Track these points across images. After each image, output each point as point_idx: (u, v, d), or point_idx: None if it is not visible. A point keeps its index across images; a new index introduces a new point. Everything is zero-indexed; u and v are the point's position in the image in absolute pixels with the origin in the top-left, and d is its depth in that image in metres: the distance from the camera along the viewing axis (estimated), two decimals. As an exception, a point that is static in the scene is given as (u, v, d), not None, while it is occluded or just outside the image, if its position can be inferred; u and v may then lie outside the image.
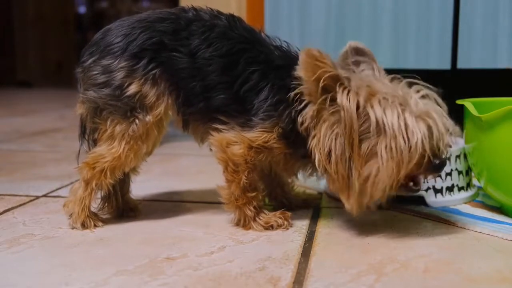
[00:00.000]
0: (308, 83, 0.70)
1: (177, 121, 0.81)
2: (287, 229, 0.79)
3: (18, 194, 1.00)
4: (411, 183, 0.73)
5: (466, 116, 0.86)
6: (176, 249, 0.70)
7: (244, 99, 0.76)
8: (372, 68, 0.76)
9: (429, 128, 0.69)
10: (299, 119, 0.73)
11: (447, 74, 1.32)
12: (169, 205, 0.94)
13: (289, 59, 0.77)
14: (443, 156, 0.71)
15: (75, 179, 0.81)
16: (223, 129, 0.77)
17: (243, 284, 0.59)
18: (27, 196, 0.98)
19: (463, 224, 0.80)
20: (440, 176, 0.89)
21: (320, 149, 0.72)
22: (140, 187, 0.96)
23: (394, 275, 0.62)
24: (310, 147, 0.73)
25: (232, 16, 0.80)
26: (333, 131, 0.71)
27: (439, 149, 0.70)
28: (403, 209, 0.88)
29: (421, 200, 0.89)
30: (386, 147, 0.68)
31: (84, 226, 0.78)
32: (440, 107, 0.72)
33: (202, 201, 0.95)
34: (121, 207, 0.85)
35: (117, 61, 0.76)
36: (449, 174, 0.90)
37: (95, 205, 0.83)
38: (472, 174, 0.95)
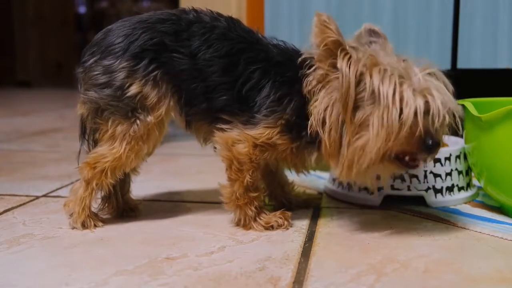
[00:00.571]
0: (317, 46, 0.72)
1: (179, 121, 0.81)
2: (287, 229, 0.79)
3: (18, 194, 1.00)
4: (407, 158, 0.71)
5: (466, 116, 0.86)
6: (176, 249, 0.70)
7: (246, 98, 0.76)
8: (384, 48, 0.76)
9: (426, 103, 0.68)
10: (304, 82, 0.74)
11: (447, 74, 1.32)
12: (169, 205, 0.94)
13: (288, 54, 0.78)
14: (438, 136, 0.69)
15: (75, 179, 0.81)
16: (227, 128, 0.77)
17: (243, 284, 0.59)
18: (27, 196, 0.98)
19: (463, 224, 0.80)
20: (440, 176, 0.89)
21: (316, 111, 0.72)
22: (140, 187, 0.96)
23: (394, 275, 0.62)
24: (309, 110, 0.73)
25: (231, 18, 0.80)
26: (331, 96, 0.71)
27: (434, 128, 0.69)
28: (403, 209, 0.88)
29: (421, 200, 0.89)
30: (378, 116, 0.68)
31: (84, 226, 0.78)
32: (446, 86, 0.71)
33: (202, 201, 0.95)
34: (121, 207, 0.85)
35: (118, 61, 0.76)
36: (449, 174, 0.90)
37: (95, 205, 0.83)
38: (472, 174, 0.95)
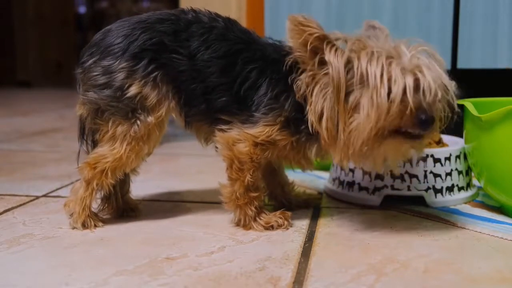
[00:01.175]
0: (298, 49, 0.72)
1: (179, 122, 0.81)
2: (287, 229, 0.79)
3: (18, 194, 1.00)
4: (409, 130, 0.69)
5: (466, 116, 0.86)
6: (176, 249, 0.70)
7: (245, 98, 0.76)
8: (377, 36, 0.76)
9: (416, 80, 0.68)
10: (295, 88, 0.74)
11: (447, 74, 1.32)
12: (169, 205, 0.94)
13: (284, 52, 0.78)
14: (431, 111, 0.69)
15: (75, 179, 0.81)
16: (227, 128, 0.77)
17: (243, 284, 0.59)
18: (27, 196, 0.98)
19: (463, 224, 0.80)
20: (440, 176, 0.89)
21: (313, 111, 0.72)
22: (140, 187, 0.96)
23: (394, 275, 0.62)
24: (307, 114, 0.73)
25: (228, 18, 0.81)
26: (325, 92, 0.71)
27: (426, 103, 0.68)
28: (403, 209, 0.88)
29: (421, 200, 0.89)
30: (367, 97, 0.68)
31: (84, 226, 0.78)
32: (438, 63, 0.71)
33: (202, 201, 0.95)
34: (121, 207, 0.85)
35: (117, 61, 0.76)
36: (449, 174, 0.90)
37: (95, 206, 0.83)
38: (472, 174, 0.95)
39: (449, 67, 1.28)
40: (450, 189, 0.90)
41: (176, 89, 0.78)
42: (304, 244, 0.73)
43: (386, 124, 0.68)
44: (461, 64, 1.27)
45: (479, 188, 0.96)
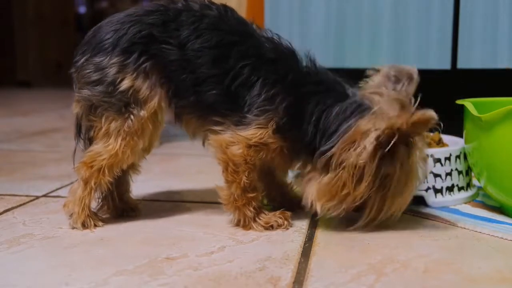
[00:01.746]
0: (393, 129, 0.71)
1: (170, 114, 0.81)
2: (287, 229, 0.79)
3: (18, 194, 1.00)
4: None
5: (466, 116, 0.86)
6: (176, 249, 0.70)
7: (236, 94, 0.76)
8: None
9: None
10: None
11: (447, 74, 1.32)
12: (169, 205, 0.94)
13: (281, 52, 0.77)
14: None
15: (75, 179, 0.81)
16: (219, 130, 0.77)
17: (243, 284, 0.59)
18: (27, 196, 0.98)
19: (463, 224, 0.80)
20: (440, 176, 0.89)
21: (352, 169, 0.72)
22: (140, 187, 0.96)
23: (394, 275, 0.62)
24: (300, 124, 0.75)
25: (224, 6, 0.79)
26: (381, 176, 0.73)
27: None
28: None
29: (421, 200, 0.89)
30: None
31: (84, 225, 0.78)
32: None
33: (202, 201, 0.95)
34: (118, 206, 0.85)
35: (108, 57, 0.76)
36: (449, 174, 0.90)
37: (94, 205, 0.83)
38: (472, 174, 0.95)
39: (449, 67, 1.28)
40: (450, 189, 0.90)
41: (165, 79, 0.77)
42: (304, 244, 0.73)
43: None
44: (461, 64, 1.27)
45: (479, 188, 0.96)
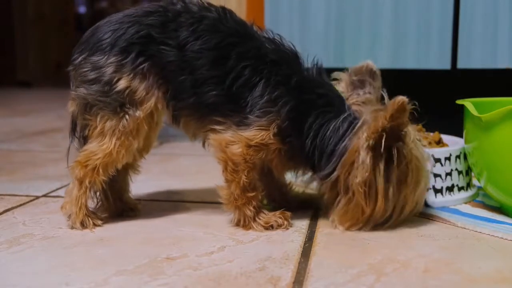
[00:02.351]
0: (382, 127, 0.72)
1: (167, 115, 0.81)
2: (287, 229, 0.79)
3: (18, 194, 1.00)
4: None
5: (466, 116, 0.86)
6: (176, 249, 0.70)
7: (237, 95, 0.76)
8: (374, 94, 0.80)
9: None
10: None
11: (447, 74, 1.32)
12: (169, 205, 0.94)
13: (284, 53, 0.78)
14: None
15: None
16: (220, 129, 0.77)
17: (243, 284, 0.59)
18: (27, 196, 0.98)
19: (463, 224, 0.80)
20: (440, 176, 0.89)
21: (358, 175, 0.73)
22: (140, 187, 0.96)
23: (394, 275, 0.62)
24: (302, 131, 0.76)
25: (222, 8, 0.79)
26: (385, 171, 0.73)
27: None
28: (403, 209, 0.88)
29: (421, 200, 0.89)
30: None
31: (83, 225, 0.78)
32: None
33: (202, 201, 0.95)
34: (118, 206, 0.85)
35: (106, 57, 0.76)
36: (449, 174, 0.90)
37: (92, 206, 0.83)
38: (472, 174, 0.95)
39: (449, 67, 1.28)
40: (450, 189, 0.90)
41: (163, 80, 0.77)
42: (304, 244, 0.73)
43: None
44: (461, 64, 1.27)
45: (479, 188, 0.96)
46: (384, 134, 0.71)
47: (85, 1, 5.27)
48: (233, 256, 0.68)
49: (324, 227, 0.80)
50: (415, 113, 0.73)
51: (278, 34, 0.79)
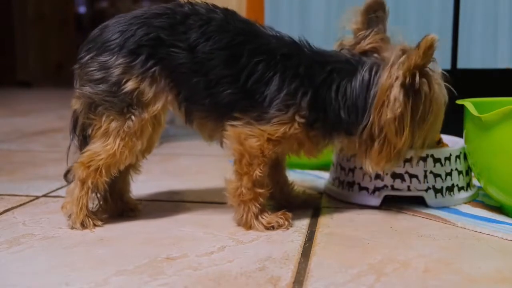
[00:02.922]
0: (410, 68, 0.74)
1: (179, 116, 0.81)
2: (288, 229, 0.79)
3: (18, 194, 1.00)
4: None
5: (466, 116, 0.86)
6: (176, 249, 0.70)
7: (253, 91, 0.76)
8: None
9: None
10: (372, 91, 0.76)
11: (447, 74, 1.32)
12: (169, 205, 0.94)
13: (290, 46, 0.78)
14: None
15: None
16: (238, 124, 0.77)
17: (243, 284, 0.59)
18: (27, 196, 0.98)
19: (463, 224, 0.80)
20: (440, 176, 0.89)
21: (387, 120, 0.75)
22: (140, 187, 0.96)
23: (394, 275, 0.62)
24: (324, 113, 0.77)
25: (226, 9, 0.80)
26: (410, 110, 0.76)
27: None
28: (403, 209, 0.88)
29: (421, 200, 0.89)
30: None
31: (83, 225, 0.78)
32: None
33: (202, 201, 0.95)
34: (118, 206, 0.85)
35: (114, 57, 0.76)
36: (449, 174, 0.90)
37: (93, 206, 0.83)
38: (472, 174, 0.95)
39: (449, 67, 1.28)
40: (450, 189, 0.90)
41: (175, 83, 0.77)
42: (304, 244, 0.73)
43: None
44: (461, 64, 1.27)
45: (479, 188, 0.96)
46: (417, 71, 0.74)
47: (85, 1, 5.27)
48: (233, 256, 0.68)
49: (324, 227, 0.80)
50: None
51: (277, 31, 0.80)
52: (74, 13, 5.15)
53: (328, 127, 0.78)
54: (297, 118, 0.76)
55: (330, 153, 1.02)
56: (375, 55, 0.80)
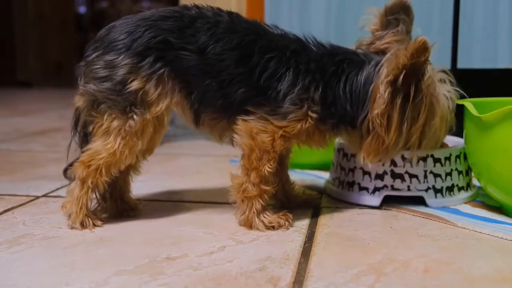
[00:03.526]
0: (401, 64, 0.75)
1: (186, 118, 0.81)
2: (288, 229, 0.79)
3: (18, 194, 1.00)
4: None
5: (466, 116, 0.86)
6: (176, 249, 0.70)
7: (266, 87, 0.77)
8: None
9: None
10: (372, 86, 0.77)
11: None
12: (169, 205, 0.94)
13: (297, 42, 0.79)
14: None
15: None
16: (250, 119, 0.77)
17: (243, 284, 0.59)
18: (27, 196, 0.98)
19: (463, 224, 0.80)
20: (440, 176, 0.89)
21: (383, 116, 0.76)
22: (140, 187, 0.96)
23: (394, 275, 0.62)
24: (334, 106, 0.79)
25: (231, 12, 0.81)
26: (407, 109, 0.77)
27: None
28: (403, 209, 0.88)
29: (421, 200, 0.89)
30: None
31: (83, 225, 0.78)
32: None
33: (202, 201, 0.95)
34: (118, 206, 0.85)
35: (121, 57, 0.76)
36: (449, 174, 0.90)
37: (93, 206, 0.83)
38: (472, 174, 0.95)
39: (449, 67, 1.28)
40: (450, 189, 0.90)
41: (184, 84, 0.78)
42: (304, 244, 0.73)
43: None
44: (461, 64, 1.27)
45: (479, 188, 0.96)
46: (404, 71, 0.74)
47: (85, 1, 5.27)
48: (233, 256, 0.68)
49: (324, 227, 0.80)
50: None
51: (282, 29, 0.81)
52: (74, 13, 5.15)
53: (336, 119, 0.79)
54: (310, 113, 0.77)
55: (330, 153, 1.02)
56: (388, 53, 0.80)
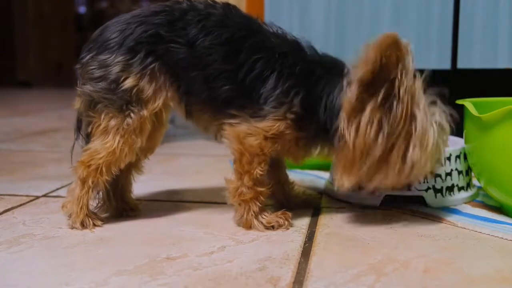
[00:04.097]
0: (368, 64, 0.71)
1: (179, 111, 0.81)
2: (288, 229, 0.79)
3: (18, 194, 1.00)
4: None
5: (466, 116, 0.86)
6: (176, 249, 0.70)
7: (250, 88, 0.76)
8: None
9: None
10: (345, 94, 0.74)
11: (447, 74, 1.32)
12: (169, 205, 0.94)
13: (291, 45, 0.78)
14: None
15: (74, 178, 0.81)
16: (235, 123, 0.77)
17: (243, 284, 0.59)
18: (27, 196, 0.98)
19: (463, 224, 0.80)
20: (440, 176, 0.89)
21: (353, 127, 0.72)
22: (140, 187, 0.96)
23: (394, 275, 0.62)
24: (315, 114, 0.76)
25: (227, 4, 0.80)
26: (383, 119, 0.71)
27: None
28: (403, 209, 0.88)
29: (421, 200, 0.89)
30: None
31: (83, 225, 0.78)
32: None
33: (202, 201, 0.95)
34: (119, 206, 0.85)
35: (113, 56, 0.76)
36: (449, 174, 0.90)
37: (94, 205, 0.83)
38: (472, 174, 0.95)
39: (449, 67, 1.28)
40: (450, 189, 0.90)
41: (175, 78, 0.78)
42: (304, 244, 0.73)
43: None
44: (461, 64, 1.27)
45: (479, 188, 0.96)
46: (374, 68, 0.70)
47: (85, 1, 5.27)
48: (233, 256, 0.68)
49: (324, 227, 0.80)
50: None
51: (279, 27, 0.80)
52: (74, 13, 5.16)
53: (314, 127, 0.77)
54: (288, 114, 0.76)
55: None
56: None
